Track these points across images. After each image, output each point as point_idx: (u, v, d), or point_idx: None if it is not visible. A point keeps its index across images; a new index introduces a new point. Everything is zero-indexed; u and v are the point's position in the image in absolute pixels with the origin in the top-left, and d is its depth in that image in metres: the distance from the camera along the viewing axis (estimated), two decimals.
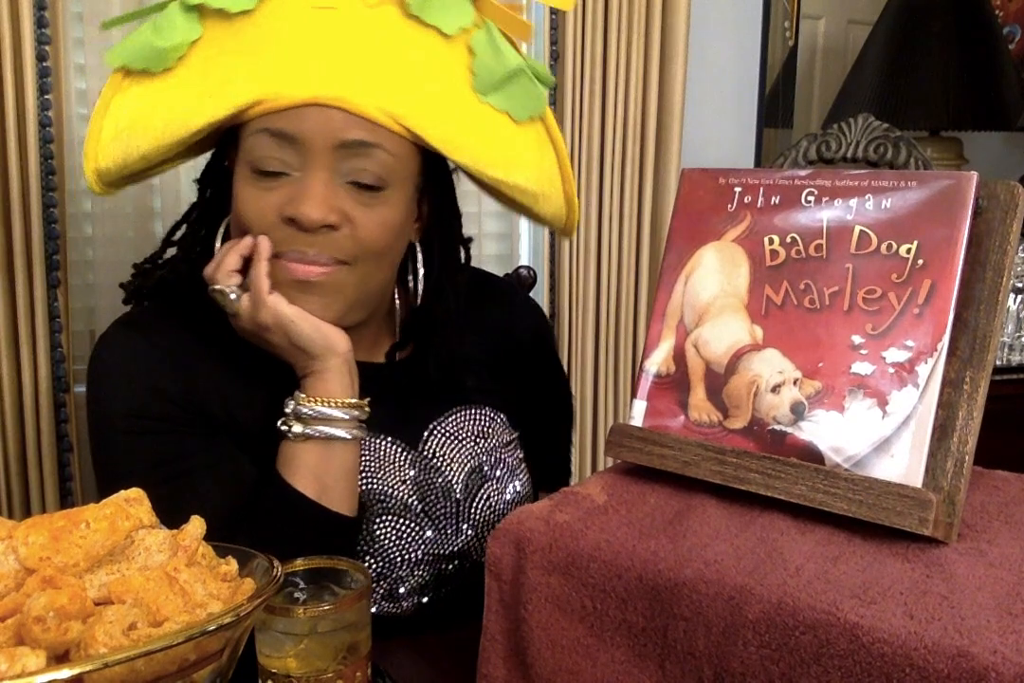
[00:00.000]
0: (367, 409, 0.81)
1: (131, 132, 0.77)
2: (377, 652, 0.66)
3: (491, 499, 0.90)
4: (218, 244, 0.83)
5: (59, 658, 0.40)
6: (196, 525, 0.49)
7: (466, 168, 0.81)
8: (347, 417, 0.79)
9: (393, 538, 0.85)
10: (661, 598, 0.54)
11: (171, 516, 0.52)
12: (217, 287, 0.78)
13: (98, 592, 0.45)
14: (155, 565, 0.47)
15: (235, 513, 0.77)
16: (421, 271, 0.88)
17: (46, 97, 1.34)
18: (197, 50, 0.76)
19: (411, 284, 0.89)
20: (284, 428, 0.79)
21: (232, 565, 0.50)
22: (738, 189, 0.66)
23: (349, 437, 0.79)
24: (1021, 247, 1.53)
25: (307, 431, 0.78)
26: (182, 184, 1.47)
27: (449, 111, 0.79)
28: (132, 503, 0.49)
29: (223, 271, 0.78)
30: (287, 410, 0.79)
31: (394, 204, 0.80)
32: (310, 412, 0.78)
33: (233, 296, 0.78)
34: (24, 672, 0.38)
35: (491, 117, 0.81)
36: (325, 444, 0.79)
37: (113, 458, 0.81)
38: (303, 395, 0.79)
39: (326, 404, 0.79)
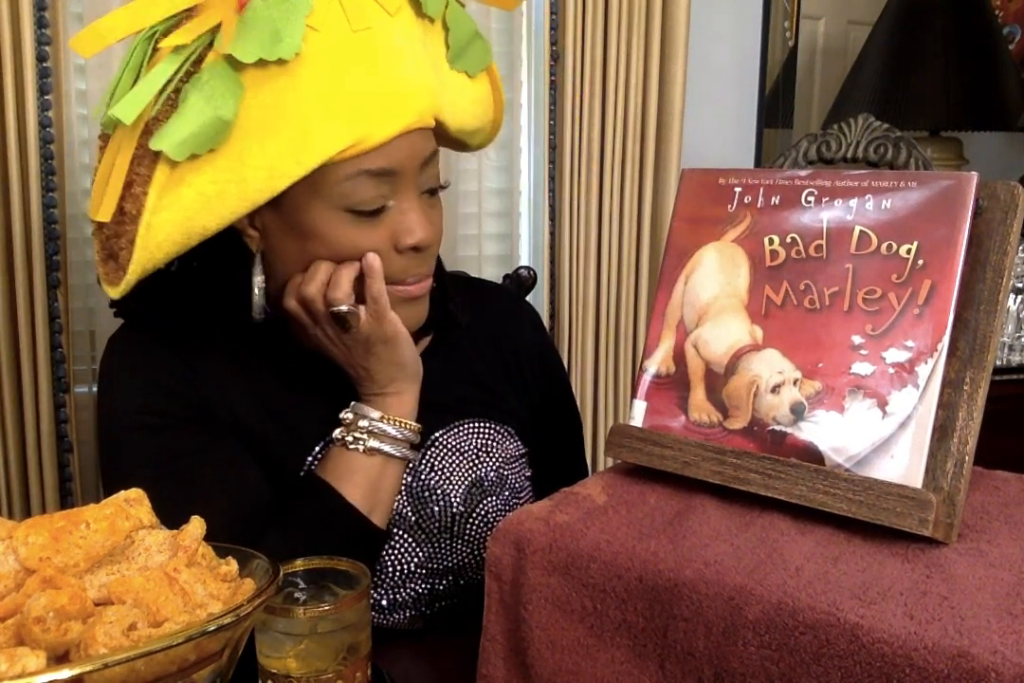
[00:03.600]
0: (419, 434, 0.84)
1: (197, 217, 0.71)
2: (377, 652, 0.66)
3: (488, 516, 0.89)
4: (257, 279, 0.80)
5: (59, 658, 0.40)
6: (196, 525, 0.49)
7: (455, 136, 0.84)
8: (407, 439, 0.82)
9: (386, 548, 0.84)
10: (661, 598, 0.54)
11: (172, 515, 0.52)
12: (345, 308, 0.77)
13: (98, 592, 0.45)
14: (155, 565, 0.47)
15: (260, 514, 0.78)
16: None
17: (46, 97, 1.34)
18: (245, 107, 0.69)
19: None
20: (350, 439, 0.80)
21: (232, 565, 0.49)
22: (738, 189, 0.66)
23: (407, 457, 0.82)
24: (1021, 247, 1.53)
25: (380, 447, 0.80)
26: None
27: (445, 90, 0.80)
28: (132, 503, 0.49)
29: (343, 292, 0.76)
30: (360, 423, 0.80)
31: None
32: (387, 430, 0.81)
33: (362, 314, 0.78)
34: (24, 672, 0.38)
35: (458, 80, 0.83)
36: (386, 461, 0.81)
37: (117, 455, 0.82)
38: (381, 413, 0.81)
39: (400, 425, 0.82)
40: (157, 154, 0.68)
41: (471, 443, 0.91)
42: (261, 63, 0.68)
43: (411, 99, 0.75)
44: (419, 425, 0.83)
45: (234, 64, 0.68)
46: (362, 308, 0.78)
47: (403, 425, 0.82)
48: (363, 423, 0.80)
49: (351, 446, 0.80)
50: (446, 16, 0.79)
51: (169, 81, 0.69)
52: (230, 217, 0.72)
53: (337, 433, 0.81)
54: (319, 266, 0.77)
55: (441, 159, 0.84)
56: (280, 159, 0.70)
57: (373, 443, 0.80)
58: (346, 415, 0.81)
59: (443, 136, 0.84)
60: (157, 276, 0.77)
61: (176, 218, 0.70)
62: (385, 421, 0.81)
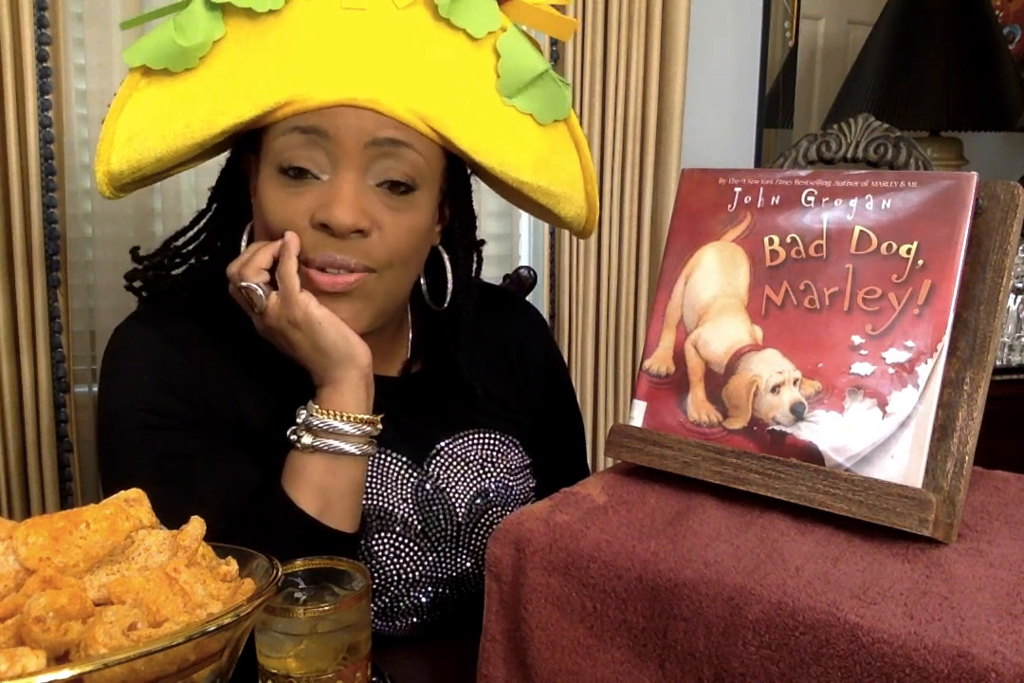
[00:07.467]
0: (380, 426, 0.79)
1: (148, 134, 0.75)
2: (377, 653, 0.65)
3: (493, 527, 0.87)
4: (243, 247, 0.82)
5: (59, 658, 0.40)
6: (196, 525, 0.49)
7: (491, 170, 0.80)
8: (358, 433, 0.77)
9: (391, 556, 0.83)
10: (661, 598, 0.54)
11: (169, 516, 0.52)
12: (245, 283, 0.76)
13: (98, 592, 0.45)
14: (155, 565, 0.47)
15: (233, 520, 0.75)
16: (450, 275, 0.86)
17: (46, 97, 1.34)
18: (220, 50, 0.75)
19: (424, 289, 0.87)
20: (293, 438, 0.77)
21: (232, 565, 0.49)
22: (738, 189, 0.66)
23: (358, 453, 0.77)
24: (1021, 247, 1.53)
25: (316, 443, 0.76)
26: (182, 185, 1.47)
27: (476, 114, 0.78)
28: (132, 503, 0.49)
29: (252, 268, 0.76)
30: (298, 420, 0.77)
31: (422, 208, 0.79)
32: (321, 425, 0.76)
33: (262, 292, 0.76)
34: (24, 672, 0.38)
35: (516, 119, 0.80)
36: (333, 458, 0.77)
37: (117, 453, 0.81)
38: (316, 407, 0.77)
39: (339, 417, 0.77)
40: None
41: (476, 453, 0.90)
42: (246, 12, 0.73)
43: (364, 75, 0.74)
44: (367, 416, 0.78)
45: (209, 5, 0.73)
46: (274, 293, 0.76)
47: (342, 417, 0.77)
48: (300, 419, 0.77)
49: (296, 445, 0.77)
50: (498, 42, 0.78)
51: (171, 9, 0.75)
52: (173, 143, 0.75)
53: (288, 432, 0.78)
54: (253, 246, 0.79)
55: None
56: (224, 102, 0.75)
57: (308, 440, 0.76)
58: (299, 412, 0.78)
59: (499, 182, 0.83)
60: (177, 257, 0.85)
61: (131, 127, 0.75)
62: (321, 414, 0.76)
